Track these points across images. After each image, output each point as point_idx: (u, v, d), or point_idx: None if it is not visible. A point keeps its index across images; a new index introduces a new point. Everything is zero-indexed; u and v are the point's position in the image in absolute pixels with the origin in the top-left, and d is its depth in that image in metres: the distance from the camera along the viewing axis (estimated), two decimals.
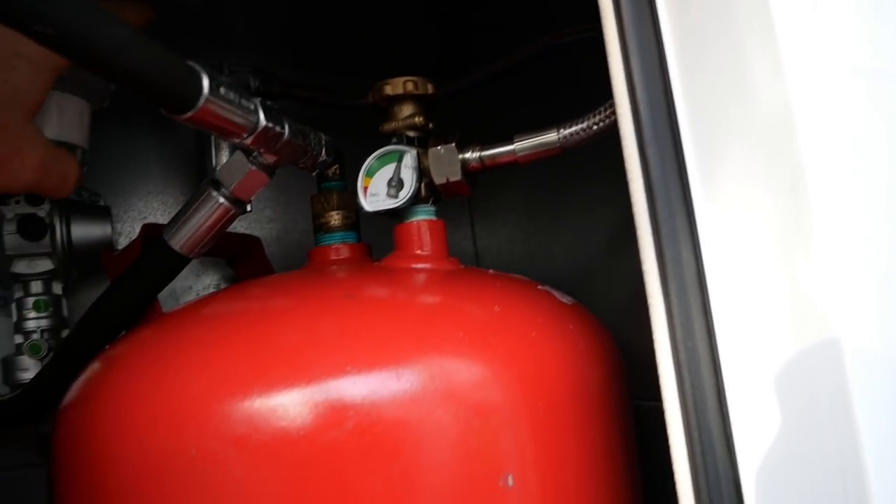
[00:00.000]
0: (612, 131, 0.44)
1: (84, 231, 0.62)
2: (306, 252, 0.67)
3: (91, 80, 0.54)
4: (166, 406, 0.35)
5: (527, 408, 0.38)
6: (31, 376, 0.59)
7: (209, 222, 0.49)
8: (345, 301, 0.43)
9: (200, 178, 0.76)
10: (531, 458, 0.37)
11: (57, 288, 0.63)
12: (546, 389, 0.38)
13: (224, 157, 0.62)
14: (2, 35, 0.34)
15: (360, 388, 0.35)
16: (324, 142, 0.52)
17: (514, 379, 0.38)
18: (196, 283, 0.75)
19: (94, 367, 0.44)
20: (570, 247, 0.69)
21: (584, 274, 0.68)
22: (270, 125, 0.44)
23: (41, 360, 0.60)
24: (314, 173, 0.54)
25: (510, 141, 0.47)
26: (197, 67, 0.38)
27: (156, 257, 0.50)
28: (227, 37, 0.74)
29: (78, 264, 0.63)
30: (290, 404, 0.34)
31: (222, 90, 0.39)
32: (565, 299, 0.47)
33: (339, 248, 0.54)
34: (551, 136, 0.45)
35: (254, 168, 0.48)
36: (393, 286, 0.45)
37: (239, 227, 0.77)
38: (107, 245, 0.64)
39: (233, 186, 0.48)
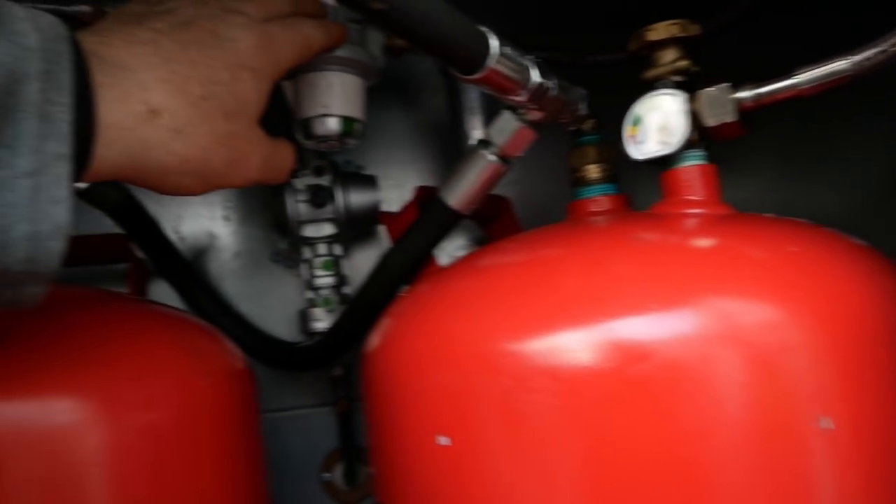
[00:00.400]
0: None
1: (358, 198, 0.69)
2: (550, 213, 0.69)
3: (367, 60, 0.60)
4: (476, 340, 0.39)
5: (834, 348, 0.36)
6: (324, 326, 0.68)
7: (481, 180, 0.53)
8: (624, 244, 0.44)
9: (449, 145, 0.81)
10: (845, 400, 0.36)
11: (337, 249, 0.71)
12: (854, 329, 0.37)
13: (476, 122, 0.66)
14: (232, 51, 0.39)
15: (665, 326, 0.36)
16: (583, 96, 0.53)
17: (818, 319, 0.37)
18: (447, 243, 0.80)
19: (397, 312, 0.49)
20: (838, 192, 0.65)
21: (856, 222, 0.63)
22: (542, 81, 0.46)
23: (331, 311, 0.68)
24: (572, 128, 0.55)
25: (790, 75, 0.45)
26: (486, 30, 0.41)
27: (434, 214, 0.55)
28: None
29: (353, 228, 0.71)
30: (597, 340, 0.36)
31: (505, 49, 0.42)
32: (857, 240, 0.45)
33: (598, 199, 0.55)
34: (842, 65, 0.42)
35: (522, 125, 0.50)
36: (671, 230, 0.45)
37: None
38: (376, 210, 0.70)
39: (503, 144, 0.51)
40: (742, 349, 0.36)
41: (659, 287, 0.38)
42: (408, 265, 0.56)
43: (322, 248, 0.70)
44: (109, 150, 0.33)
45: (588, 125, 0.56)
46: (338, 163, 0.72)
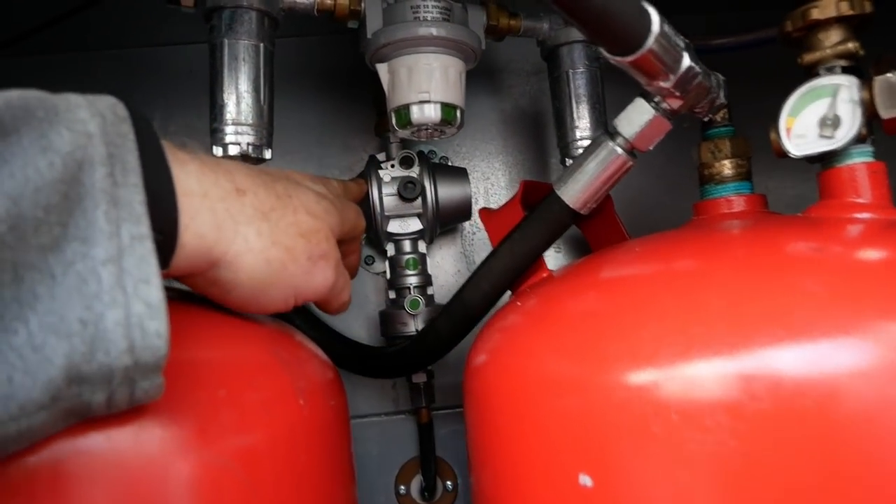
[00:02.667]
0: None
1: (448, 192, 0.64)
2: (642, 208, 0.62)
3: (470, 42, 0.54)
4: (632, 367, 0.34)
5: None
6: (410, 330, 0.63)
7: (605, 175, 0.47)
8: (784, 255, 0.38)
9: (538, 138, 0.76)
10: None
11: (422, 247, 0.66)
12: None
13: (584, 111, 0.60)
14: (311, 187, 0.42)
15: (854, 357, 0.30)
16: (721, 83, 0.47)
17: None
18: None
19: (511, 325, 0.44)
20: None
21: None
22: (693, 65, 0.40)
23: (416, 314, 0.63)
24: (706, 118, 0.49)
25: None
26: (648, 7, 0.35)
27: (548, 212, 0.49)
28: None
29: (441, 224, 0.66)
30: (792, 368, 0.30)
31: (666, 27, 0.36)
32: None
33: (731, 199, 0.49)
34: None
35: (658, 115, 0.45)
36: (837, 239, 0.39)
37: None
38: (466, 205, 0.65)
39: (633, 136, 0.46)
40: None
41: (809, 310, 0.32)
42: (514, 269, 0.50)
43: (407, 245, 0.65)
44: (195, 222, 0.32)
45: (721, 116, 0.50)
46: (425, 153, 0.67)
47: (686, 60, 0.40)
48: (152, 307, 0.26)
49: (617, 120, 0.46)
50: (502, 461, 0.41)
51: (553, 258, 0.74)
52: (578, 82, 0.60)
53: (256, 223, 0.35)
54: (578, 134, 0.59)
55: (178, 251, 0.31)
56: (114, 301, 0.26)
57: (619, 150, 0.46)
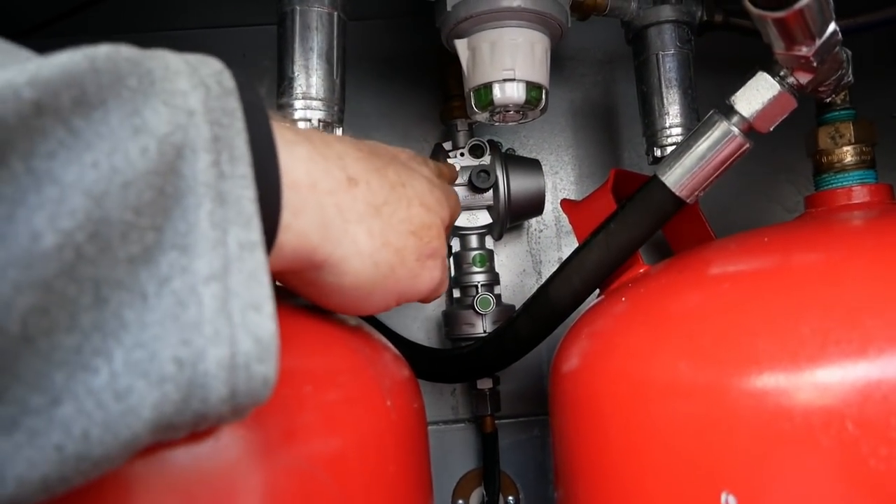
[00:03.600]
0: None
1: (522, 184, 0.60)
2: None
3: (558, 16, 0.50)
4: (798, 372, 0.29)
5: None
6: (479, 331, 0.59)
7: (717, 159, 0.42)
8: None
9: (609, 130, 0.71)
10: None
11: (489, 243, 0.62)
12: None
13: (675, 96, 0.55)
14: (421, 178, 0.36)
15: None
16: (850, 58, 0.42)
17: None
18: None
19: (611, 327, 0.40)
20: None
21: None
22: (836, 29, 0.35)
23: (484, 314, 0.59)
24: (828, 99, 0.44)
25: None
26: None
27: (650, 200, 0.44)
28: None
29: (512, 218, 0.61)
30: (874, 376, 0.25)
31: None
32: None
33: (853, 190, 0.44)
34: None
35: (783, 90, 0.40)
36: None
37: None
38: (539, 199, 0.61)
39: (754, 115, 0.41)
40: None
41: None
42: (609, 263, 0.45)
43: (474, 241, 0.61)
44: (298, 220, 0.27)
45: (842, 97, 0.45)
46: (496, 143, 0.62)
47: (832, 26, 0.35)
48: (262, 345, 0.21)
49: (734, 97, 0.41)
50: (614, 475, 0.36)
51: None
52: (669, 65, 0.55)
53: (368, 221, 0.31)
54: (668, 121, 0.55)
55: (274, 253, 0.26)
56: (217, 335, 0.20)
57: (736, 131, 0.41)
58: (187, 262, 0.20)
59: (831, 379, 0.28)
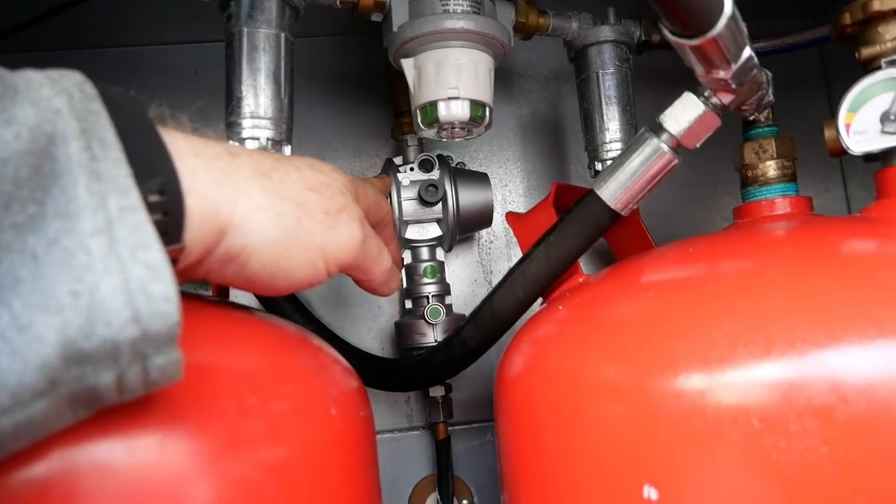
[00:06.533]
0: None
1: (470, 197, 0.62)
2: (657, 211, 0.60)
3: (500, 37, 0.52)
4: (710, 372, 0.31)
5: None
6: (429, 340, 0.60)
7: (648, 174, 0.45)
8: (836, 256, 0.36)
9: (556, 145, 0.73)
10: None
11: (440, 254, 0.64)
12: None
13: (615, 112, 0.58)
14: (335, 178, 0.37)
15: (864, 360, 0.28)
16: (770, 80, 0.45)
17: None
18: None
19: (550, 334, 0.42)
20: None
21: None
22: (752, 55, 0.38)
23: (435, 324, 0.60)
24: (751, 118, 0.47)
25: None
26: None
27: (587, 213, 0.46)
28: None
29: (461, 230, 0.63)
30: (849, 372, 0.28)
31: (736, 11, 0.34)
32: None
33: (775, 202, 0.47)
34: None
35: (708, 109, 0.43)
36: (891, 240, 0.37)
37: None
38: (487, 211, 0.63)
39: (681, 132, 0.43)
40: None
41: (867, 311, 0.30)
42: (550, 273, 0.47)
43: (425, 253, 0.62)
44: (195, 182, 0.28)
45: (765, 115, 0.48)
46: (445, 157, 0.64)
47: (747, 51, 0.37)
48: (154, 269, 0.23)
49: (663, 116, 0.44)
50: (549, 475, 0.38)
51: None
52: (608, 83, 0.58)
53: (258, 180, 0.32)
54: (608, 136, 0.57)
55: (188, 218, 0.27)
56: (107, 268, 0.22)
57: (665, 148, 0.44)
58: (72, 225, 0.22)
59: (738, 379, 0.30)
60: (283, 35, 0.48)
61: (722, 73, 0.38)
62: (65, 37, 0.67)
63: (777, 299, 0.33)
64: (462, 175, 0.62)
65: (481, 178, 0.63)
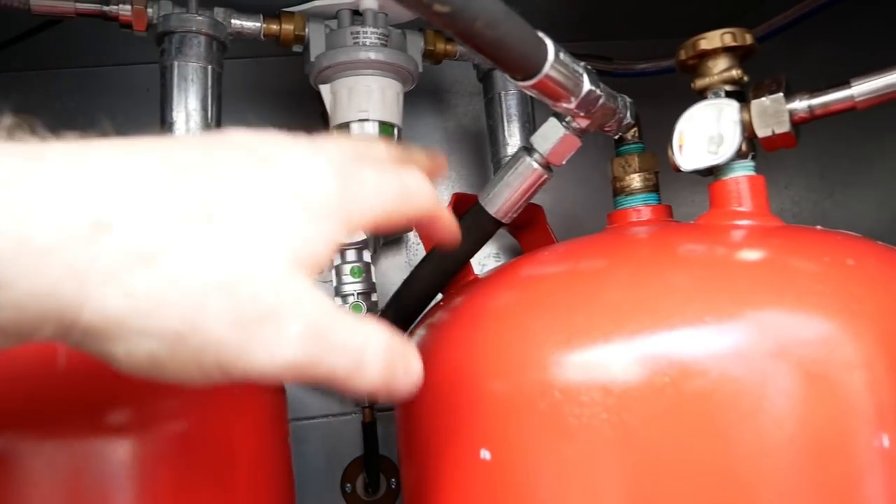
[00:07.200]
0: None
1: None
2: (582, 222, 0.67)
3: (407, 66, 0.59)
4: (526, 353, 0.38)
5: (891, 365, 0.35)
6: None
7: (523, 187, 0.52)
8: (673, 255, 0.43)
9: (484, 154, 0.80)
10: None
11: (366, 256, 0.70)
12: None
13: (515, 129, 0.65)
14: (282, 176, 0.27)
15: (724, 339, 0.35)
16: (629, 104, 0.52)
17: (876, 334, 0.36)
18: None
19: (436, 323, 0.48)
20: (879, 201, 0.63)
21: (893, 234, 0.62)
22: (592, 88, 0.45)
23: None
24: (616, 137, 0.55)
25: (845, 85, 0.44)
26: (544, 36, 0.40)
27: (474, 222, 0.54)
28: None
29: (384, 234, 0.70)
30: (654, 353, 0.35)
31: (561, 56, 0.41)
32: None
33: (640, 209, 0.54)
34: None
35: (568, 133, 0.50)
36: (721, 242, 0.44)
37: None
38: None
39: (547, 152, 0.51)
40: (798, 365, 0.35)
41: (714, 299, 0.37)
42: (443, 273, 0.55)
43: (352, 255, 0.69)
44: (22, 280, 0.21)
45: (631, 134, 0.55)
46: None
47: (586, 85, 0.45)
48: None
49: (533, 137, 0.51)
50: (420, 449, 0.45)
51: (494, 265, 0.79)
52: (510, 102, 0.65)
53: (123, 277, 0.23)
54: (510, 150, 0.64)
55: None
56: None
57: (536, 165, 0.51)
58: None
59: (544, 360, 0.37)
60: (209, 67, 0.55)
61: (565, 105, 0.45)
62: (28, 60, 0.73)
63: (588, 295, 0.40)
64: None
65: None
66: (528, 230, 0.72)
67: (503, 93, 0.65)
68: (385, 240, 0.72)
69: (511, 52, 0.38)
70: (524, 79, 0.40)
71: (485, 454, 0.38)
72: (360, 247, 0.70)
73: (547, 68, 0.40)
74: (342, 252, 0.70)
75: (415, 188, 0.34)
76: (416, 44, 0.62)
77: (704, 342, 0.35)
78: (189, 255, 0.24)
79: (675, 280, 0.39)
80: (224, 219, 0.25)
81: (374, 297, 0.70)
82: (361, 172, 0.30)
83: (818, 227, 0.47)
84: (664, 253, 0.44)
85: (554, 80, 0.41)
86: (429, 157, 0.40)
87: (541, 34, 0.40)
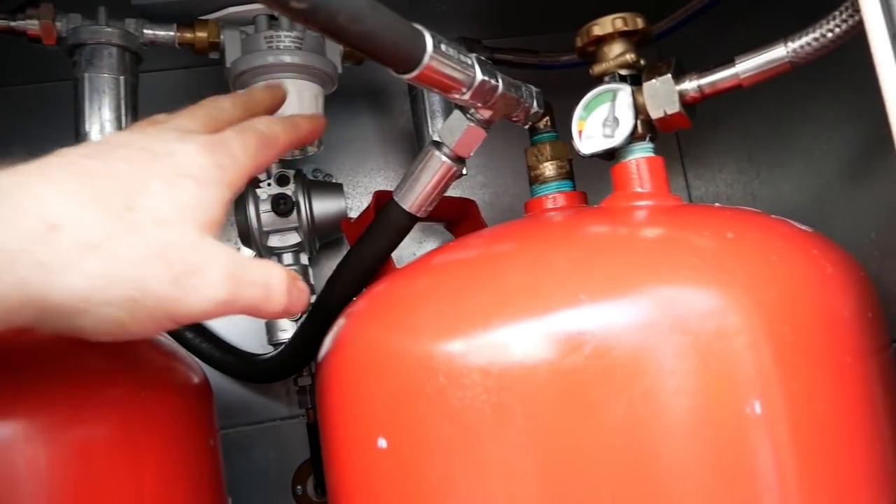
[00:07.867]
0: (850, 37, 0.41)
1: (323, 206, 0.69)
2: (519, 215, 0.68)
3: (325, 68, 0.60)
4: (414, 340, 0.39)
5: (770, 333, 0.36)
6: (289, 335, 0.68)
7: (434, 181, 0.52)
8: (569, 238, 0.44)
9: (416, 153, 0.81)
10: (778, 385, 0.35)
11: (304, 259, 0.71)
12: (790, 314, 0.36)
13: (440, 125, 0.65)
14: (168, 163, 0.35)
15: (595, 316, 0.36)
16: (534, 94, 0.53)
17: (754, 303, 0.36)
18: (419, 249, 0.80)
19: (348, 318, 0.49)
20: (799, 181, 0.64)
21: (817, 209, 0.63)
22: (486, 79, 0.46)
23: (296, 321, 0.68)
24: (526, 126, 0.55)
25: (731, 63, 0.45)
26: (420, 28, 0.40)
27: (389, 218, 0.54)
28: (430, 10, 0.76)
29: (319, 237, 0.70)
30: (528, 333, 0.36)
31: (443, 47, 0.41)
32: (804, 227, 0.44)
33: (555, 196, 0.54)
34: (779, 51, 0.42)
35: (471, 124, 0.50)
36: (616, 223, 0.45)
37: (453, 193, 0.81)
38: (342, 218, 0.70)
39: (453, 144, 0.51)
40: (677, 335, 0.36)
41: (594, 277, 0.38)
42: (363, 270, 0.55)
43: (288, 258, 0.70)
44: (4, 275, 0.27)
45: (543, 123, 0.56)
46: (305, 172, 0.72)
47: (479, 76, 0.45)
48: None
49: (440, 130, 0.52)
50: (330, 443, 0.45)
51: None
52: (433, 99, 0.66)
53: (79, 263, 0.30)
54: None
55: None
56: None
57: (444, 158, 0.52)
58: None
59: (433, 346, 0.38)
60: (122, 78, 0.56)
61: (458, 96, 0.46)
62: None
63: (484, 278, 0.41)
64: (316, 187, 0.70)
65: (335, 189, 0.71)
66: (463, 225, 0.73)
67: (426, 90, 0.65)
68: (322, 242, 0.73)
69: (384, 45, 0.38)
70: (404, 72, 0.41)
71: (382, 443, 0.39)
72: (297, 249, 0.70)
73: (426, 59, 0.40)
74: (280, 255, 0.70)
75: (268, 130, 0.41)
76: (334, 46, 0.63)
77: (579, 319, 0.36)
78: (124, 238, 0.31)
79: (560, 261, 0.40)
80: (140, 206, 0.32)
81: (312, 299, 0.71)
82: (223, 137, 0.38)
83: (716, 204, 0.48)
84: (562, 236, 0.45)
85: (437, 72, 0.42)
86: (267, 91, 0.48)
87: (417, 26, 0.40)
